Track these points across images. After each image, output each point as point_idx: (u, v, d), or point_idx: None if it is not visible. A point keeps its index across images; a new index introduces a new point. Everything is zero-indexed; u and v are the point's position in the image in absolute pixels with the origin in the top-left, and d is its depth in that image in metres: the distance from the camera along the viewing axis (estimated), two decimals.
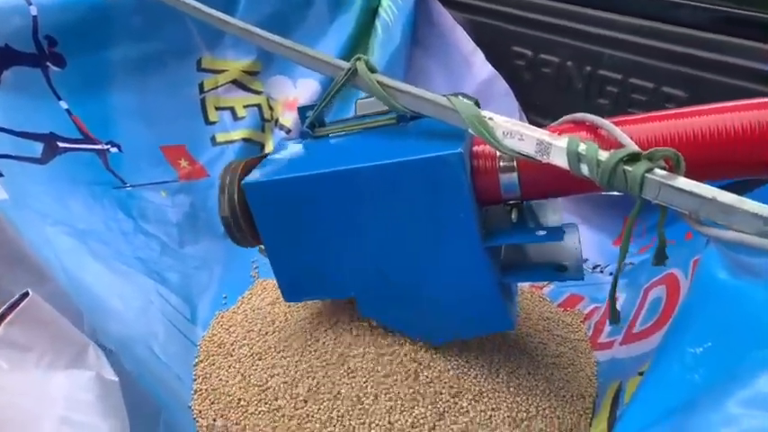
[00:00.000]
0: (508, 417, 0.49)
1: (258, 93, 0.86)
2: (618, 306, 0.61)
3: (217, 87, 0.83)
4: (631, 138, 0.38)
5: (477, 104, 0.50)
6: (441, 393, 0.48)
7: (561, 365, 0.57)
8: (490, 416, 0.48)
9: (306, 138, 0.52)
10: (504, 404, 0.50)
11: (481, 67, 0.87)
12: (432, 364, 0.50)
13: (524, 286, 0.71)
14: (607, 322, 0.63)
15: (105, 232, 0.65)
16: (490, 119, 0.40)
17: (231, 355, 0.57)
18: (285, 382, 0.50)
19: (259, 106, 0.86)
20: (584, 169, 0.35)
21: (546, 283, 0.72)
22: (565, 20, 0.79)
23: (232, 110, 0.84)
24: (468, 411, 0.48)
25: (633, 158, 0.34)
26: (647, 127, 0.39)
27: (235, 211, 0.48)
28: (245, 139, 0.84)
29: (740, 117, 0.37)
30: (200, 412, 0.52)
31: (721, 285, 0.29)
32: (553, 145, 0.36)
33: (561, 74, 0.82)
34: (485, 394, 0.50)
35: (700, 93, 0.69)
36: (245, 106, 0.85)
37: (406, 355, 0.50)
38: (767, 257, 0.28)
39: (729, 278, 0.29)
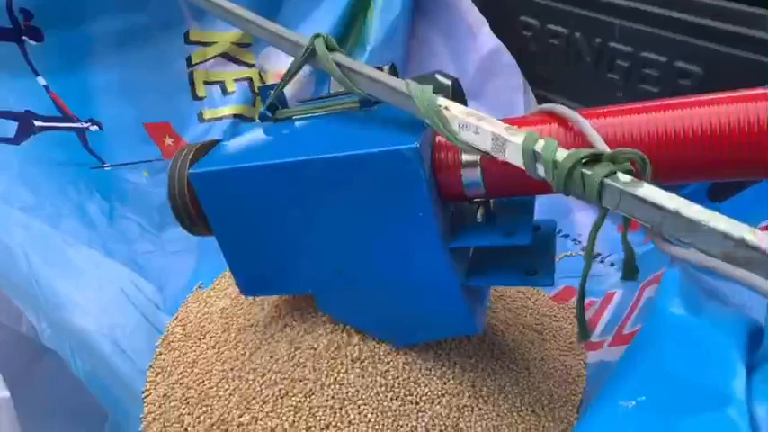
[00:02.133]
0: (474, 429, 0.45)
1: (250, 66, 0.83)
2: (613, 302, 0.58)
3: (205, 61, 0.80)
4: (606, 134, 0.34)
5: (455, 84, 0.45)
6: (403, 399, 0.45)
7: (551, 368, 0.53)
8: (456, 426, 0.45)
9: (266, 120, 0.48)
10: (488, 419, 0.46)
11: (486, 39, 0.82)
12: (404, 371, 0.47)
13: None
14: (601, 319, 0.59)
15: (79, 216, 0.63)
16: (446, 108, 0.35)
17: (189, 347, 0.55)
18: (238, 376, 0.48)
19: (250, 80, 0.82)
20: (541, 170, 0.31)
21: None
22: None
23: (222, 84, 0.81)
24: (429, 416, 0.45)
25: (594, 160, 0.29)
26: (628, 121, 0.34)
27: (184, 201, 0.45)
28: (235, 115, 0.81)
29: (735, 110, 0.32)
30: (147, 406, 0.50)
31: (672, 322, 0.24)
32: (508, 141, 0.32)
33: (570, 46, 0.76)
34: (466, 407, 0.46)
35: (716, 68, 0.63)
36: (235, 80, 0.82)
37: (372, 360, 0.47)
38: (734, 281, 0.24)
39: (684, 314, 0.24)
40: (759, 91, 0.30)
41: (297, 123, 0.47)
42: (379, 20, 0.83)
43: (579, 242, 0.72)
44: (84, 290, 0.56)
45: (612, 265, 0.66)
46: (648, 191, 0.27)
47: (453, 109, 0.35)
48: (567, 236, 0.73)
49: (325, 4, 0.84)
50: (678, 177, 0.34)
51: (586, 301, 0.63)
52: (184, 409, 0.49)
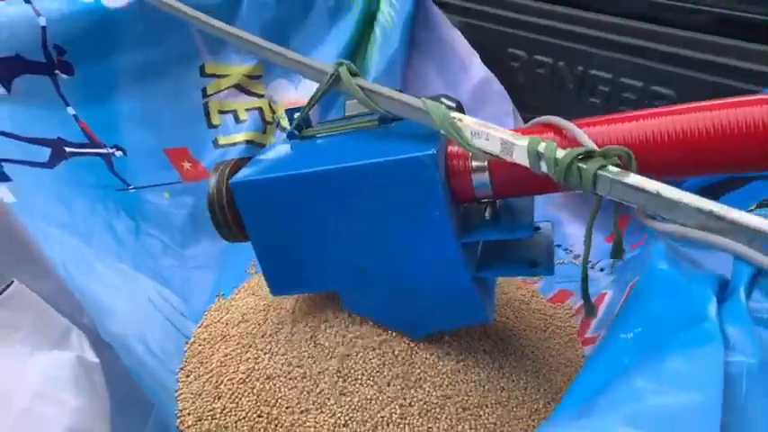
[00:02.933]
0: (493, 416, 0.50)
1: (260, 96, 0.89)
2: (605, 301, 0.63)
3: (219, 92, 0.86)
4: (595, 140, 0.40)
5: (460, 106, 0.52)
6: (430, 392, 0.50)
7: (555, 361, 0.59)
8: (476, 414, 0.50)
9: (293, 139, 0.54)
10: (505, 404, 0.51)
11: (477, 70, 0.89)
12: (421, 361, 0.51)
13: (518, 281, 0.72)
14: (594, 318, 0.64)
15: (108, 233, 0.67)
16: (459, 120, 0.41)
17: (216, 350, 0.59)
18: (264, 375, 0.53)
19: (260, 109, 0.88)
20: (544, 167, 0.37)
21: (537, 278, 0.74)
22: (557, 22, 0.80)
23: (234, 113, 0.87)
24: (454, 408, 0.50)
25: (588, 156, 0.35)
26: (611, 128, 0.40)
27: (223, 208, 0.50)
28: (247, 141, 0.87)
29: (702, 117, 0.38)
30: (181, 403, 0.55)
31: (660, 275, 0.30)
32: (515, 144, 0.38)
33: (555, 74, 0.83)
34: (472, 394, 0.51)
35: (688, 91, 0.70)
36: (247, 109, 0.88)
37: (394, 353, 0.51)
38: (708, 250, 0.30)
39: (668, 268, 0.30)
40: (723, 101, 0.37)
41: (322, 140, 0.52)
42: (379, 54, 0.91)
43: (571, 251, 0.78)
44: (117, 299, 0.60)
45: (602, 270, 0.72)
46: (634, 179, 0.33)
47: (466, 120, 0.41)
48: (559, 245, 0.78)
49: (328, 39, 0.91)
50: (659, 174, 0.40)
51: (579, 303, 0.69)
52: (216, 403, 0.54)
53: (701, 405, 0.21)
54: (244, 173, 0.49)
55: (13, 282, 0.34)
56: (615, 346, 0.29)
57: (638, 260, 0.66)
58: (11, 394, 0.30)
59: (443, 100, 0.51)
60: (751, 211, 0.33)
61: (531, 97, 0.88)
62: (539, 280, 0.74)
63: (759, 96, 0.36)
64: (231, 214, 0.50)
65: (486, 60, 0.89)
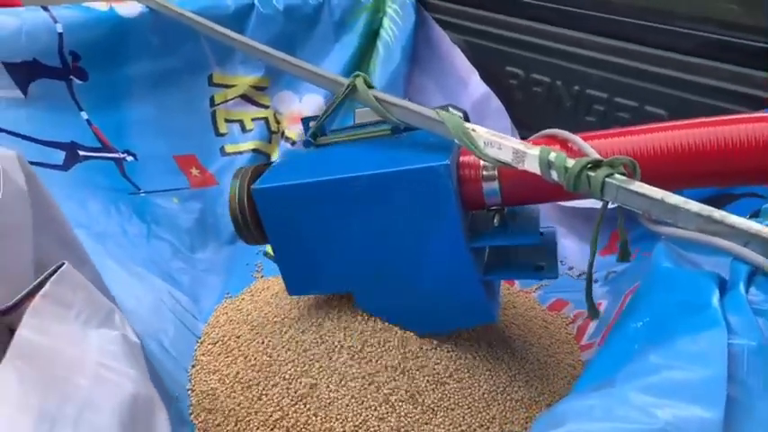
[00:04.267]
0: (499, 416, 0.53)
1: (266, 107, 0.91)
2: (600, 310, 0.66)
3: (227, 101, 0.88)
4: (598, 151, 0.43)
5: (466, 116, 0.54)
6: (440, 396, 0.52)
7: (556, 364, 0.62)
8: (481, 413, 0.52)
9: (309, 146, 0.57)
10: (496, 405, 0.54)
11: (476, 86, 0.92)
12: (430, 364, 0.54)
13: (518, 291, 0.75)
14: (590, 325, 0.67)
15: (121, 235, 0.69)
16: (473, 130, 0.44)
17: (225, 345, 0.61)
18: (269, 373, 0.55)
19: (266, 119, 0.91)
20: (554, 175, 0.40)
21: (535, 287, 0.76)
22: (555, 42, 0.84)
23: (241, 122, 0.89)
24: (462, 410, 0.52)
25: (596, 165, 0.38)
26: (611, 141, 0.43)
27: (244, 213, 0.53)
28: (253, 150, 0.89)
29: (692, 134, 0.42)
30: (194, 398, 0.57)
31: (663, 272, 0.33)
32: (527, 153, 0.41)
33: (551, 93, 0.87)
34: (474, 393, 0.54)
35: (679, 111, 0.73)
36: (252, 119, 0.90)
37: (403, 353, 0.54)
38: (706, 253, 0.33)
39: (671, 266, 0.33)
40: (713, 119, 0.40)
41: (338, 148, 0.55)
42: (382, 68, 0.94)
43: (564, 263, 0.81)
44: (131, 299, 0.62)
45: (596, 281, 0.75)
46: (639, 186, 0.36)
47: (479, 130, 0.44)
48: None
49: (333, 53, 0.94)
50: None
51: (577, 311, 0.71)
52: (226, 401, 0.55)
53: (709, 377, 0.23)
54: (264, 179, 0.51)
55: (64, 263, 0.36)
56: (626, 333, 0.31)
57: (630, 272, 0.69)
58: (82, 360, 0.32)
59: (451, 110, 0.53)
60: None
61: (528, 114, 0.91)
62: (536, 290, 0.76)
63: (746, 115, 0.40)
64: (252, 219, 0.53)
65: (486, 78, 0.92)
